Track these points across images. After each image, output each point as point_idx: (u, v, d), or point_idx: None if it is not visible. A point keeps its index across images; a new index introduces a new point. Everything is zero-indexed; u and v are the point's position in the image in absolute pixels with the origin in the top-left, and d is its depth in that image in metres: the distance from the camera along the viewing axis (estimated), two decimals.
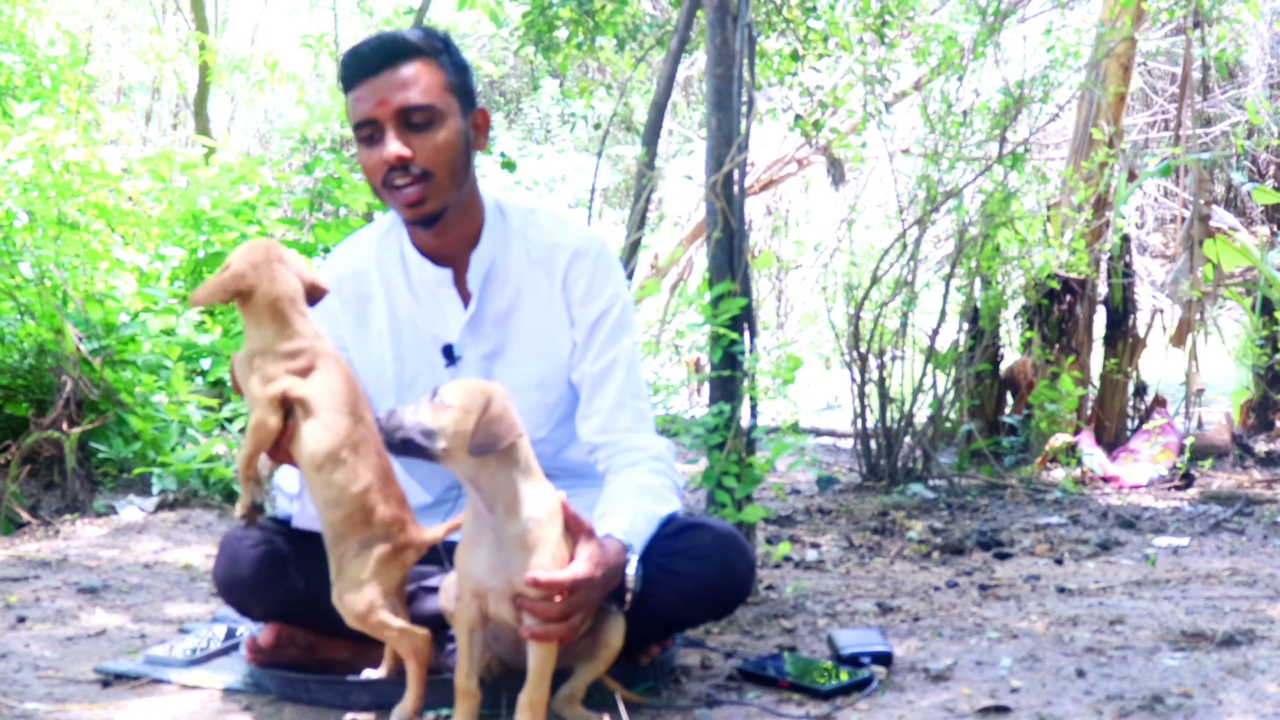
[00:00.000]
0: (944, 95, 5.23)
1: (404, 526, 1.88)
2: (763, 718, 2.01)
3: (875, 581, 3.24)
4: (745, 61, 3.01)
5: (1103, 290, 5.93)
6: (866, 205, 8.82)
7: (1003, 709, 2.01)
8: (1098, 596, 2.98)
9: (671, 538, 2.04)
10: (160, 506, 4.03)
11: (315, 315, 1.91)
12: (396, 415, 1.75)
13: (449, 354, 2.14)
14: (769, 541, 3.80)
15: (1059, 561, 3.52)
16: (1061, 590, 3.05)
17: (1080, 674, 2.20)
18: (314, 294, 1.90)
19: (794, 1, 5.93)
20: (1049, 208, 6.09)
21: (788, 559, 3.53)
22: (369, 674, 2.08)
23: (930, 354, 5.17)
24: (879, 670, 2.20)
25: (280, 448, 1.85)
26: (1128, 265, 5.89)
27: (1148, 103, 12.41)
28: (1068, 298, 5.78)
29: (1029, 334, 5.83)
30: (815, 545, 3.83)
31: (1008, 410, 5.92)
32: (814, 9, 5.96)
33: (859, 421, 5.15)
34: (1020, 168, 5.14)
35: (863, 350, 5.08)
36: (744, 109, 3.02)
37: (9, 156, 5.43)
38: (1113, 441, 5.69)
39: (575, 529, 1.82)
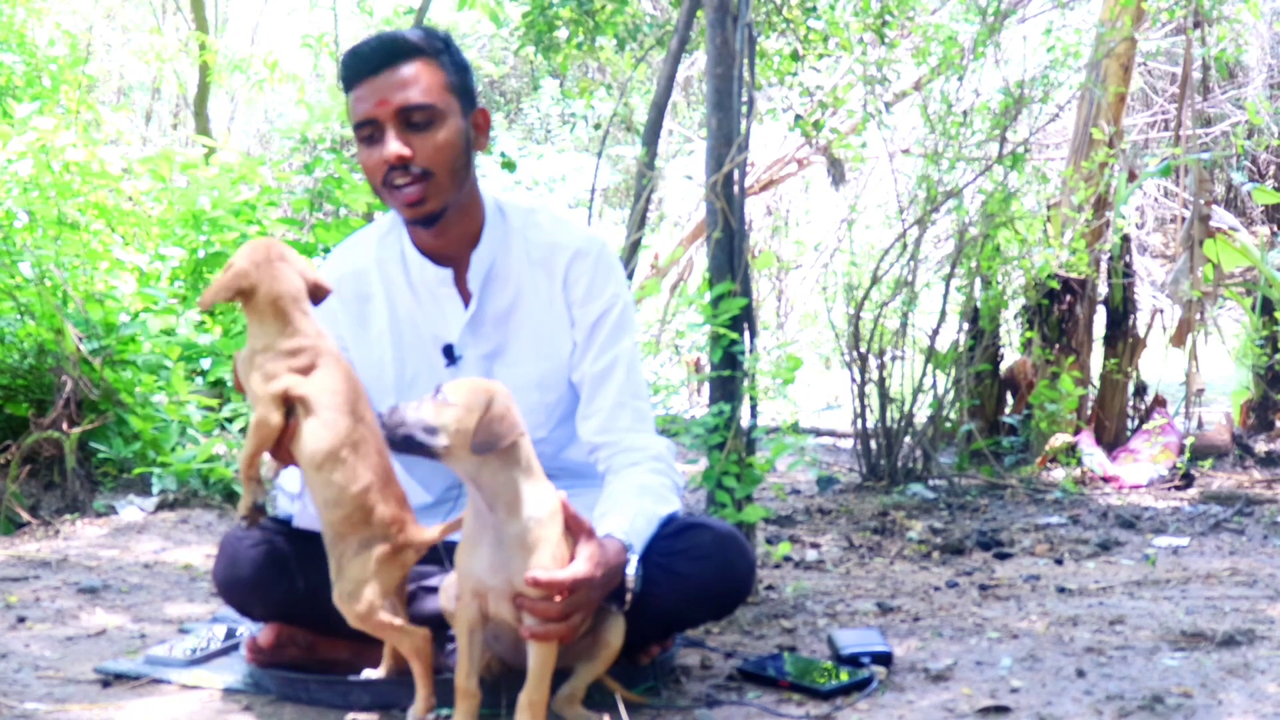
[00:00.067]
0: (944, 95, 5.23)
1: (404, 526, 1.87)
2: (763, 718, 2.01)
3: (875, 581, 3.24)
4: (745, 61, 3.01)
5: (1103, 290, 5.93)
6: (866, 205, 8.82)
7: (1003, 709, 2.01)
8: (1098, 596, 2.98)
9: (671, 538, 2.04)
10: (160, 506, 4.03)
11: (315, 315, 1.91)
12: (399, 412, 1.75)
13: (449, 354, 2.14)
14: (769, 541, 3.80)
15: (1059, 561, 3.52)
16: (1061, 590, 3.05)
17: (1080, 674, 2.20)
18: (317, 293, 1.91)
19: (794, 1, 5.93)
20: (1049, 208, 6.09)
21: (788, 559, 3.53)
22: (369, 674, 2.08)
23: (930, 354, 5.17)
24: (879, 670, 2.20)
25: (282, 447, 1.85)
26: (1128, 265, 5.89)
27: (1148, 103, 12.41)
28: (1068, 298, 5.78)
29: (1029, 334, 5.83)
30: (815, 545, 3.83)
31: (1008, 410, 5.92)
32: (814, 9, 5.96)
33: (859, 421, 5.15)
34: (1020, 168, 5.14)
35: (863, 350, 5.08)
36: (744, 109, 3.02)
37: (9, 156, 5.44)
38: (1113, 441, 5.69)
39: (576, 529, 1.82)
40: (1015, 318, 5.93)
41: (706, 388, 3.01)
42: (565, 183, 12.35)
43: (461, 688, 1.83)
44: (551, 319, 2.17)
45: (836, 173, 9.51)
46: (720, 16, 2.97)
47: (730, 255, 2.96)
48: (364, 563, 1.84)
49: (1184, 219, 6.64)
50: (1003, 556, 3.61)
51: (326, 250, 5.33)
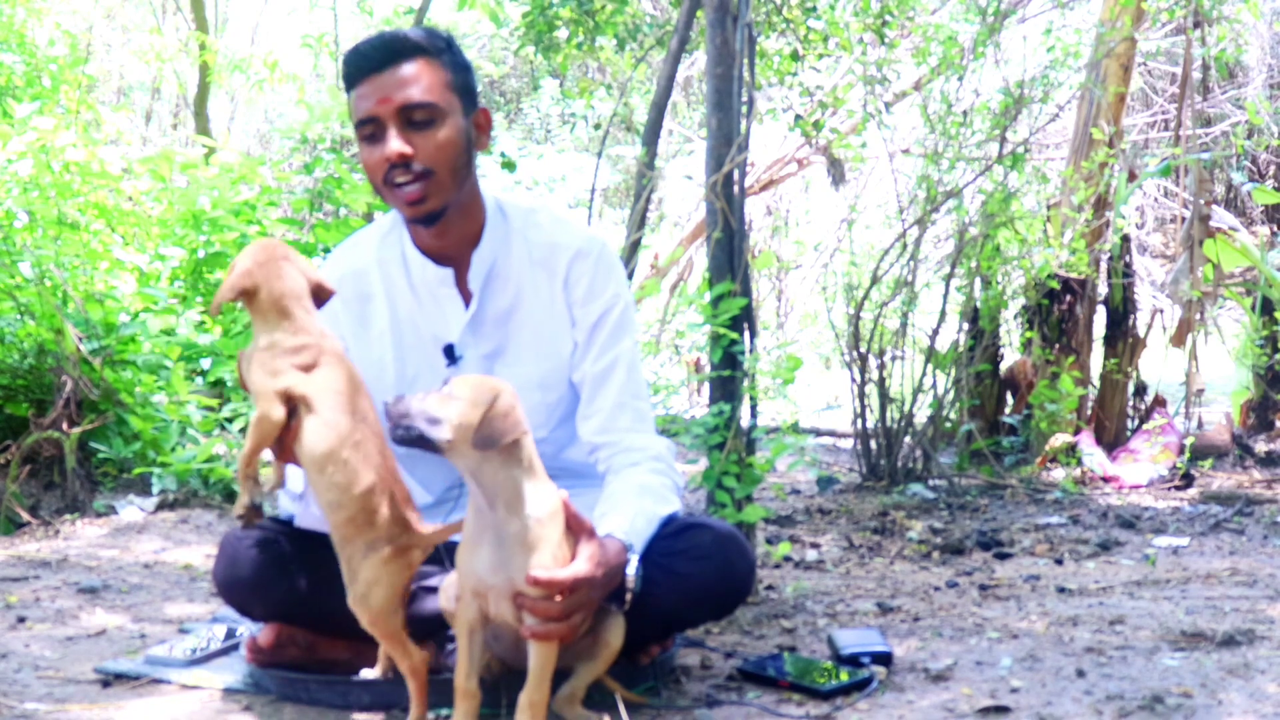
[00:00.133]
0: (944, 95, 5.23)
1: (408, 527, 1.87)
2: (763, 718, 2.01)
3: (875, 581, 3.24)
4: (745, 61, 3.01)
5: (1103, 290, 5.93)
6: (866, 205, 8.82)
7: (1003, 709, 2.01)
8: (1098, 596, 2.98)
9: (672, 538, 2.04)
10: (160, 506, 4.03)
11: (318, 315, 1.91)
12: (404, 401, 1.76)
13: (450, 354, 2.14)
14: (769, 541, 3.80)
15: (1059, 561, 3.52)
16: (1061, 590, 3.05)
17: (1080, 674, 2.20)
18: (320, 295, 1.91)
19: (794, 1, 5.93)
20: (1049, 208, 6.09)
21: (788, 559, 3.53)
22: (368, 674, 2.08)
23: (930, 354, 5.17)
24: (879, 670, 2.20)
25: (285, 446, 1.85)
26: (1128, 265, 5.89)
27: (1148, 103, 12.41)
28: (1068, 298, 5.78)
29: (1029, 334, 5.83)
30: (815, 545, 3.83)
31: (1008, 410, 5.92)
32: (814, 9, 5.96)
33: (859, 421, 5.15)
34: (1020, 168, 5.14)
35: (863, 350, 5.08)
36: (744, 109, 3.03)
37: (9, 156, 5.44)
38: (1113, 441, 5.69)
39: (577, 528, 1.82)
40: (1015, 318, 5.93)
41: (706, 388, 3.01)
42: (565, 183, 12.35)
43: (461, 688, 1.83)
44: (552, 319, 2.17)
45: (836, 173, 9.51)
46: (720, 16, 2.97)
47: (730, 255, 2.96)
48: (373, 565, 1.84)
49: (1184, 219, 6.64)
50: (1003, 556, 3.61)
51: (326, 250, 5.33)
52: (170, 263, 5.64)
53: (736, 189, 3.00)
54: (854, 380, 5.11)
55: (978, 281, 5.46)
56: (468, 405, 1.74)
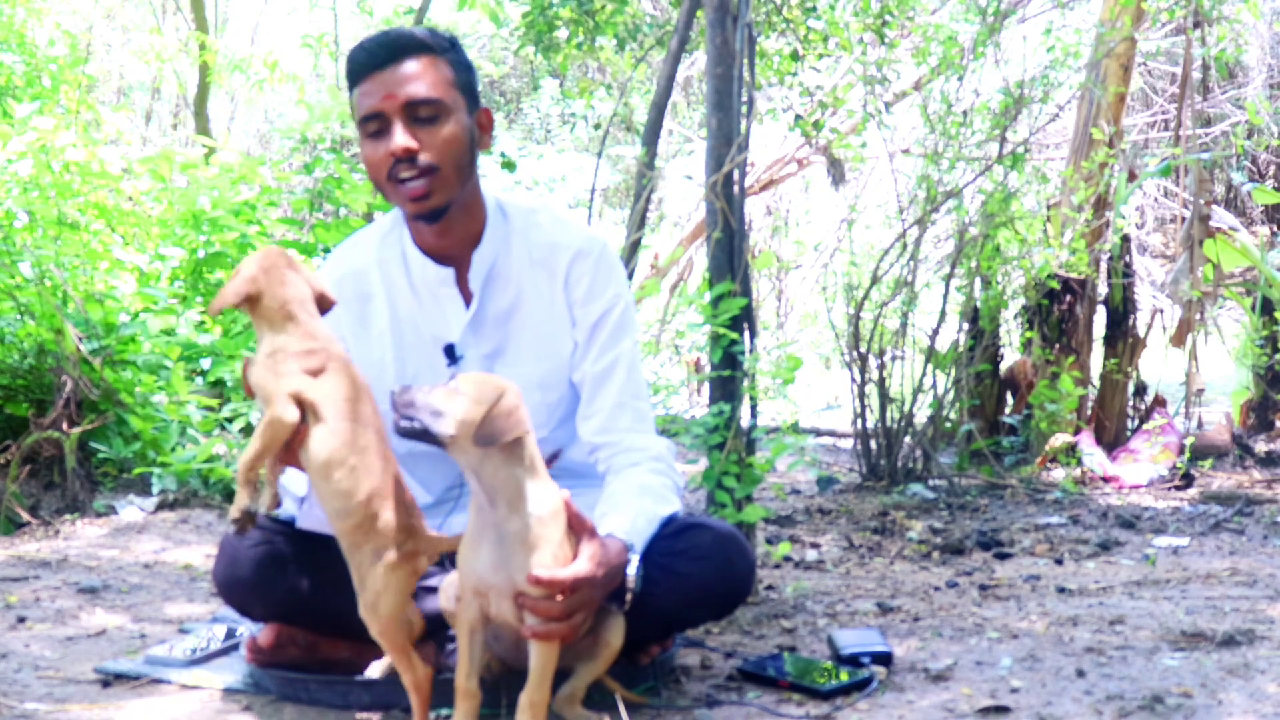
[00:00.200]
0: (944, 95, 5.23)
1: (413, 532, 1.87)
2: (763, 718, 2.01)
3: (875, 581, 3.24)
4: (745, 61, 3.01)
5: (1103, 290, 5.93)
6: (866, 205, 8.82)
7: (1003, 709, 2.01)
8: (1098, 596, 2.98)
9: (672, 538, 2.04)
10: (160, 506, 4.03)
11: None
12: (410, 392, 1.76)
13: (450, 354, 2.14)
14: (769, 541, 3.80)
15: (1059, 561, 3.52)
16: (1061, 590, 3.05)
17: (1080, 674, 2.20)
18: (322, 304, 1.91)
19: (794, 1, 5.93)
20: (1049, 208, 6.09)
21: (788, 559, 3.53)
22: (369, 673, 2.08)
23: (930, 354, 5.17)
24: (879, 670, 2.20)
25: (291, 451, 1.84)
26: (1128, 265, 5.89)
27: (1148, 103, 12.41)
28: (1068, 298, 5.78)
29: (1029, 334, 5.83)
30: (815, 545, 3.83)
31: (1008, 410, 5.92)
32: (814, 9, 5.96)
33: (859, 421, 5.15)
34: (1020, 168, 5.14)
35: (863, 350, 5.08)
36: (744, 109, 3.03)
37: (9, 156, 5.44)
38: (1113, 441, 5.69)
39: (578, 528, 1.82)
40: (1015, 318, 5.93)
41: (706, 388, 3.01)
42: (565, 183, 12.35)
43: (462, 688, 1.83)
44: (552, 319, 2.17)
45: (836, 173, 9.50)
46: (720, 16, 2.98)
47: (730, 255, 2.96)
48: (380, 572, 1.83)
49: (1184, 219, 6.64)
50: (1003, 556, 3.61)
51: (326, 250, 5.33)
52: (170, 263, 5.64)
53: (736, 189, 3.00)
54: (854, 380, 5.11)
55: (978, 281, 5.46)
56: (472, 402, 1.74)
